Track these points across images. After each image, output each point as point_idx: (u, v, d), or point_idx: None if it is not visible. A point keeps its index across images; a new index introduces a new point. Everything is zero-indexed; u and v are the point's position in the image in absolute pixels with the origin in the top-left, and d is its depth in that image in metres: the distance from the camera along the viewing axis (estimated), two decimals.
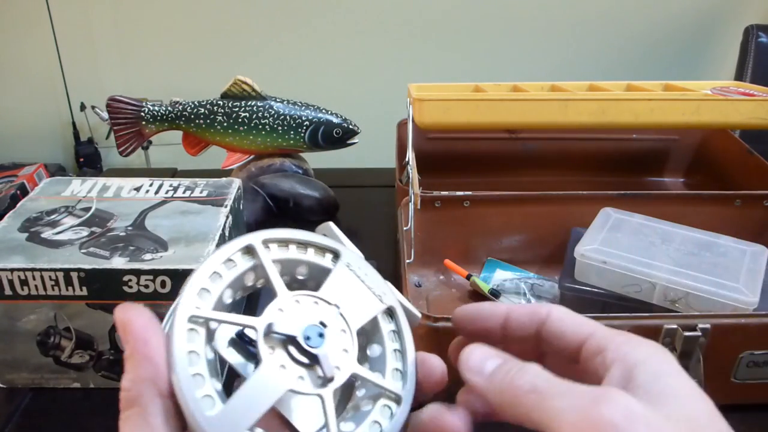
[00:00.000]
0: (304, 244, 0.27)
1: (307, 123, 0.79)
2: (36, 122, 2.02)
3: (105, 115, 0.81)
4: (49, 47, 1.85)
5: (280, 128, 0.78)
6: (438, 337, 0.48)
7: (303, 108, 0.79)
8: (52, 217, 0.56)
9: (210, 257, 0.26)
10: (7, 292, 0.49)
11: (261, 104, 0.78)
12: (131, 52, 1.93)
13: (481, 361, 0.26)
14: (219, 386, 0.23)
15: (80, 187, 0.61)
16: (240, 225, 0.64)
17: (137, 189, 0.61)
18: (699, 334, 0.48)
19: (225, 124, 0.78)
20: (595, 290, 0.59)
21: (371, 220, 0.83)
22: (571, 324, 0.27)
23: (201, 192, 0.61)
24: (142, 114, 0.79)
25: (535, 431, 0.23)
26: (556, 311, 0.27)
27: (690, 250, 0.59)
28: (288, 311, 0.25)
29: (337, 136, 0.80)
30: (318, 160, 0.87)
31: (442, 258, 0.68)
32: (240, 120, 0.78)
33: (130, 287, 0.49)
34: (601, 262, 0.58)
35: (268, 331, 0.24)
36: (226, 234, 0.56)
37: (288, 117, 0.78)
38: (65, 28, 1.85)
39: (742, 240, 0.61)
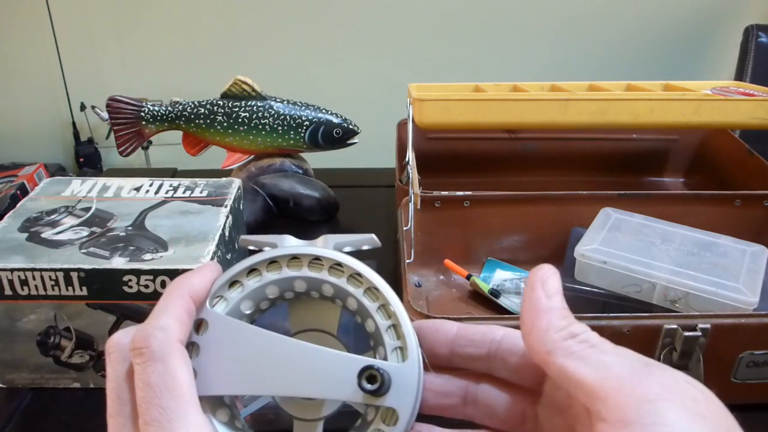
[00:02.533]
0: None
1: (307, 123, 0.79)
2: (36, 122, 2.02)
3: (105, 115, 0.80)
4: (49, 47, 1.85)
5: (280, 128, 0.78)
6: None
7: (303, 108, 0.79)
8: (52, 217, 0.56)
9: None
10: (7, 292, 0.49)
11: (261, 104, 0.78)
12: (131, 52, 1.93)
13: (555, 290, 0.25)
14: None
15: (80, 187, 0.61)
16: (240, 225, 0.64)
17: (137, 189, 0.61)
18: (699, 334, 0.48)
19: (225, 124, 0.78)
20: (595, 290, 0.59)
21: (371, 220, 0.83)
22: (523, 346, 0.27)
23: (201, 192, 0.61)
24: (142, 114, 0.79)
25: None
26: (512, 334, 0.27)
27: (690, 250, 0.59)
28: None
29: (337, 136, 0.80)
30: (318, 160, 0.87)
31: (442, 258, 0.68)
32: (240, 120, 0.78)
33: (130, 287, 0.49)
34: (601, 262, 0.58)
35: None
36: (226, 234, 0.56)
37: (288, 117, 0.78)
38: (65, 28, 1.85)
39: (742, 240, 0.61)
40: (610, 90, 0.73)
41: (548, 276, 0.25)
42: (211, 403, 0.27)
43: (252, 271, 0.28)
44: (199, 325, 0.27)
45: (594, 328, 0.48)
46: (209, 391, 0.26)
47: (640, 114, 0.66)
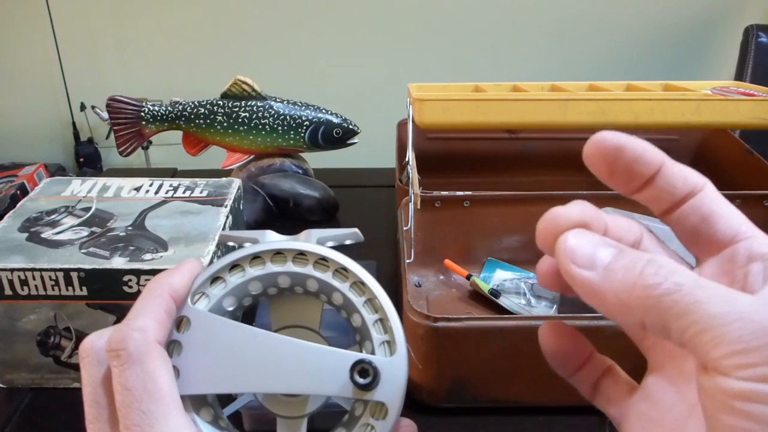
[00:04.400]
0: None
1: (307, 123, 0.79)
2: (36, 122, 2.02)
3: (105, 115, 0.81)
4: (49, 47, 1.85)
5: (280, 128, 0.78)
6: (438, 337, 0.48)
7: (303, 108, 0.79)
8: (52, 217, 0.56)
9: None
10: (7, 292, 0.49)
11: (261, 104, 0.78)
12: (131, 52, 1.93)
13: (591, 251, 0.20)
14: None
15: (80, 187, 0.61)
16: (240, 225, 0.64)
17: (137, 189, 0.61)
18: None
19: (225, 124, 0.78)
20: None
21: (371, 220, 0.83)
22: (727, 212, 0.23)
23: (201, 192, 0.61)
24: (142, 114, 0.79)
25: (660, 338, 0.18)
26: (712, 187, 0.23)
27: None
28: None
29: (337, 136, 0.80)
30: (318, 160, 0.87)
31: (442, 258, 0.68)
32: (240, 120, 0.78)
33: (130, 287, 0.49)
34: None
35: None
36: None
37: (288, 117, 0.78)
38: (65, 28, 1.85)
39: None
40: (610, 90, 0.73)
41: (573, 242, 0.20)
42: (195, 402, 0.26)
43: (235, 266, 0.28)
44: (180, 322, 0.26)
45: (594, 328, 0.48)
46: (192, 390, 0.26)
47: (640, 114, 0.66)
